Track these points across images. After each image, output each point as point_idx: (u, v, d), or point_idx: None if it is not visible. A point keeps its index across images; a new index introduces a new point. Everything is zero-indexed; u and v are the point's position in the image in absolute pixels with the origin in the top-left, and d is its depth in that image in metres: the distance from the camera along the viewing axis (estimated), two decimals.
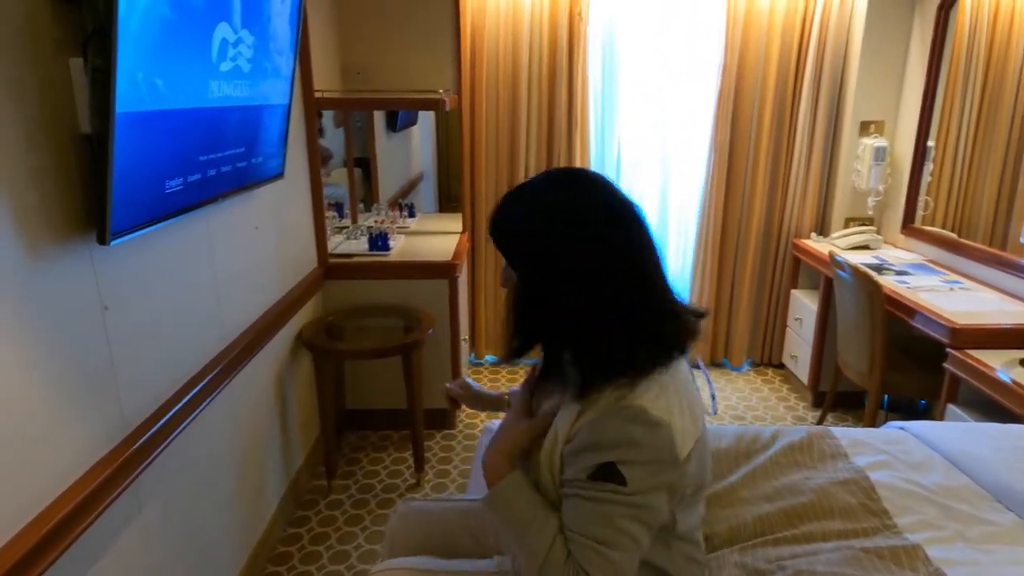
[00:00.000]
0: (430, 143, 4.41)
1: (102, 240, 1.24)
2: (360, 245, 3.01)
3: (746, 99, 3.37)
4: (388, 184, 3.81)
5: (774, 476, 1.61)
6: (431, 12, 3.10)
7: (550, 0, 3.23)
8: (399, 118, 3.91)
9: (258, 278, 2.17)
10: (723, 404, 3.36)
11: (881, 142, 3.20)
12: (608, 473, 0.93)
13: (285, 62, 1.98)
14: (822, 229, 3.51)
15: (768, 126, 3.38)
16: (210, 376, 1.73)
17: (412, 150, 4.53)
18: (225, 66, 1.56)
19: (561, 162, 3.42)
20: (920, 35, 3.10)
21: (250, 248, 2.10)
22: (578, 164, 3.40)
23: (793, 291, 3.48)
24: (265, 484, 2.24)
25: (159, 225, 1.41)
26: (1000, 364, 2.06)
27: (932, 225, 3.13)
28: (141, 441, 1.40)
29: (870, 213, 3.36)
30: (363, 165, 3.58)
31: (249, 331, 2.04)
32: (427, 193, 4.45)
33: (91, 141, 1.23)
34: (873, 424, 2.62)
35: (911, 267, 2.90)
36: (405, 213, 3.58)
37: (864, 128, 3.29)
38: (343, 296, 2.82)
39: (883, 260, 2.99)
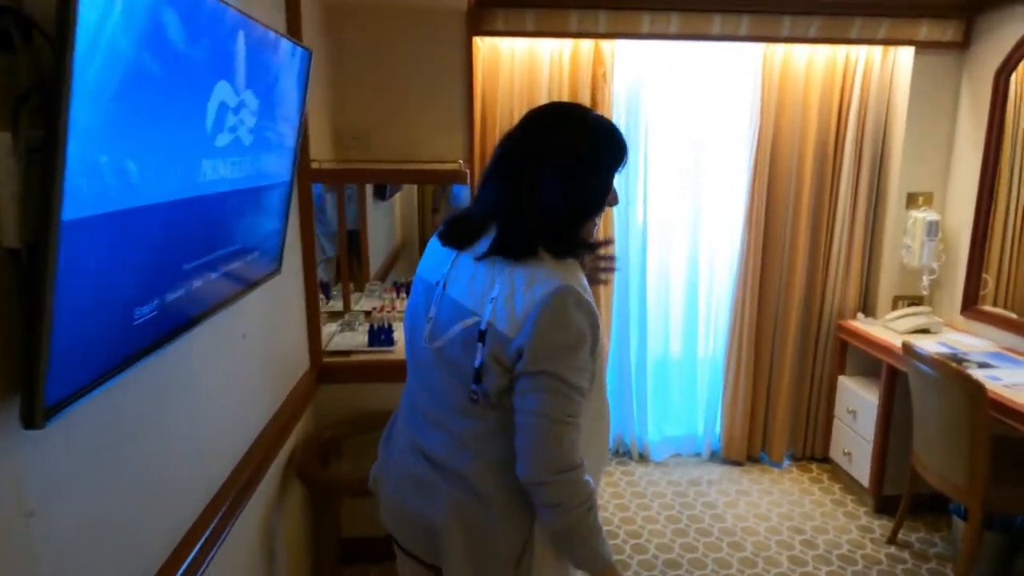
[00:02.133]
0: (413, 209, 4.01)
1: (30, 422, 0.76)
2: (358, 338, 2.54)
3: (783, 167, 3.07)
4: (376, 258, 3.37)
5: None
6: (437, 69, 2.73)
7: (571, 61, 2.91)
8: (388, 186, 3.50)
9: (245, 403, 1.68)
10: (774, 509, 2.93)
11: (933, 215, 2.92)
12: None
13: (290, 130, 1.55)
14: (867, 309, 3.18)
15: (807, 197, 3.08)
16: (185, 564, 1.22)
17: (396, 218, 4.12)
18: (222, 139, 1.13)
19: None
20: (971, 100, 2.87)
21: (236, 366, 1.62)
22: (601, 233, 3.02)
23: (841, 378, 3.12)
24: None
25: (122, 375, 0.94)
26: None
27: (992, 305, 2.84)
28: None
29: (924, 292, 3.06)
30: (351, 238, 3.14)
31: (230, 484, 1.53)
32: (412, 265, 4.01)
33: (19, 261, 0.77)
34: (976, 547, 2.22)
35: (989, 357, 2.57)
36: (403, 294, 3.13)
37: (912, 200, 3.02)
38: (341, 403, 2.33)
39: (955, 349, 2.66)
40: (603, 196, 1.16)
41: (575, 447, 1.07)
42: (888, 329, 2.93)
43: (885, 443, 2.80)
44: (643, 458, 3.34)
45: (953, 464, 2.28)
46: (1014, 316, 2.73)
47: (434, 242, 1.29)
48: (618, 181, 3.00)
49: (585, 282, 1.13)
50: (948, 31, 2.83)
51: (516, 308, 1.06)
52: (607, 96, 2.92)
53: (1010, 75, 2.68)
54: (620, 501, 2.98)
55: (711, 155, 3.15)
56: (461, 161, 2.48)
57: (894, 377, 2.73)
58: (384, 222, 3.84)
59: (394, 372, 2.32)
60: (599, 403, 1.19)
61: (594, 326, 1.09)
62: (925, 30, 2.82)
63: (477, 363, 1.09)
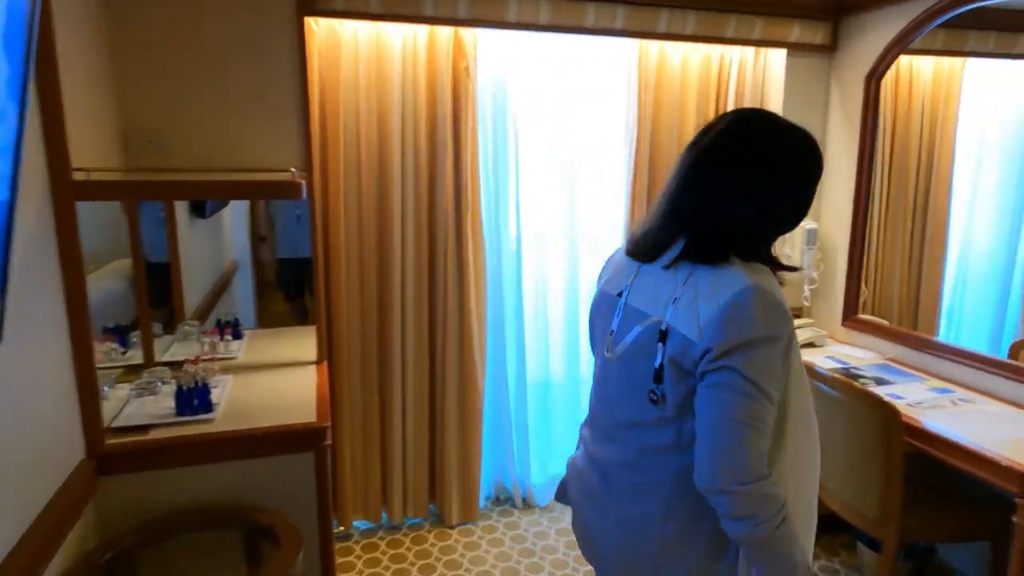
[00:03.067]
0: (244, 226, 3.36)
1: None
2: (162, 405, 1.92)
3: (662, 173, 2.83)
4: (194, 290, 2.72)
5: None
6: (260, 55, 2.18)
7: (428, 51, 2.47)
8: (209, 201, 2.85)
9: None
10: None
11: (811, 223, 2.82)
12: None
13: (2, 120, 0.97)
14: None
15: None
16: None
17: (227, 238, 3.43)
18: None
19: (449, 254, 2.60)
20: (841, 105, 2.79)
21: None
22: (470, 250, 2.61)
23: None
24: None
25: None
26: None
27: (870, 314, 2.78)
28: None
29: (806, 303, 2.96)
30: (155, 269, 2.47)
31: None
32: (244, 290, 3.35)
33: None
34: None
35: (879, 370, 2.46)
36: (228, 336, 2.51)
37: None
38: (135, 501, 1.70)
39: (846, 364, 2.54)
40: (805, 209, 1.12)
41: (762, 456, 1.00)
42: None
43: None
44: (527, 504, 2.96)
45: (864, 494, 2.10)
46: (887, 324, 2.67)
47: (619, 254, 1.31)
48: (488, 191, 2.58)
49: (777, 285, 1.08)
50: (818, 33, 2.74)
51: (700, 311, 1.03)
52: (470, 94, 2.51)
53: (880, 79, 2.62)
54: (507, 564, 2.57)
55: (587, 160, 2.85)
56: (294, 169, 1.94)
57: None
58: (207, 245, 3.14)
59: (214, 450, 1.75)
60: (804, 421, 1.11)
61: (787, 328, 1.03)
62: (797, 31, 2.71)
63: (657, 362, 1.08)
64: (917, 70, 2.65)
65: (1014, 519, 1.71)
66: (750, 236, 1.09)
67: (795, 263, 2.84)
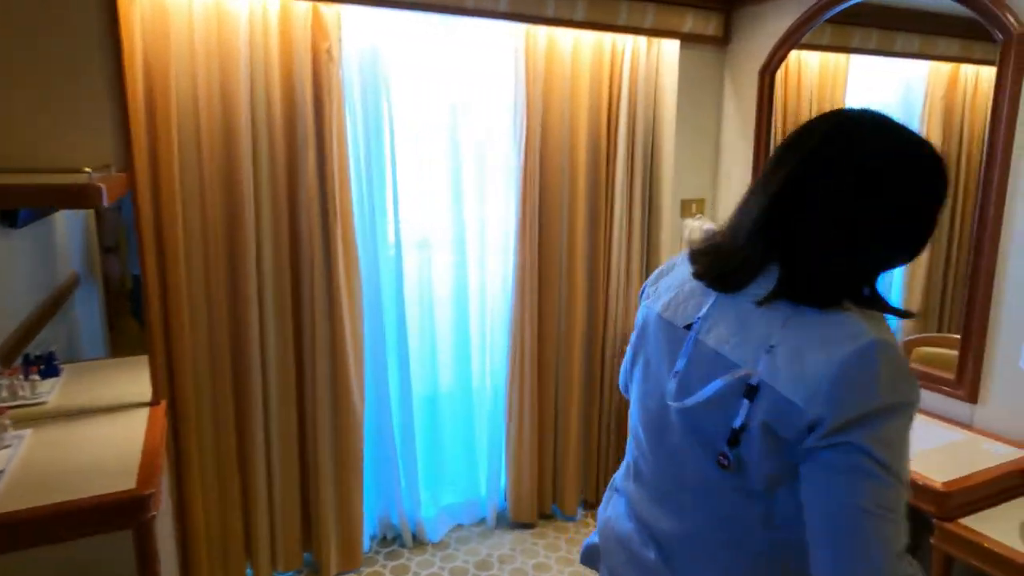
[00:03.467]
0: (84, 234, 2.83)
1: None
2: None
3: (554, 170, 2.61)
4: (8, 314, 2.21)
5: None
6: (57, 25, 1.73)
7: (281, 29, 2.10)
8: (23, 209, 2.33)
9: None
10: (567, 570, 2.46)
11: (709, 224, 2.69)
12: None
13: None
14: None
15: (582, 204, 2.66)
16: None
17: (55, 248, 2.87)
18: None
19: (316, 264, 2.25)
20: (735, 101, 2.68)
21: None
22: (341, 259, 2.27)
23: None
24: None
25: None
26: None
27: None
28: None
29: None
30: None
31: None
32: (89, 313, 2.82)
33: None
34: None
35: None
36: (35, 375, 2.03)
37: (686, 208, 2.76)
38: None
39: None
40: (928, 237, 0.90)
41: (902, 555, 0.78)
42: None
43: None
44: (417, 541, 2.65)
45: None
46: None
47: (678, 272, 1.05)
48: (360, 192, 2.24)
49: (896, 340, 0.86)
50: (711, 24, 2.61)
51: (807, 369, 0.81)
52: (335, 80, 2.17)
53: (774, 74, 2.52)
54: None
55: (473, 155, 2.58)
56: (90, 170, 1.52)
57: None
58: (24, 261, 2.61)
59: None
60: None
61: (917, 394, 0.83)
62: (690, 22, 2.56)
63: (738, 423, 0.85)
64: (805, 65, 2.58)
65: (932, 541, 1.60)
66: (869, 275, 0.89)
67: None
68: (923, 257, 2.47)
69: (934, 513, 1.59)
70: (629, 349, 1.12)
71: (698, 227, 2.67)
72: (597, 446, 2.87)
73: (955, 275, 2.27)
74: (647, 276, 2.84)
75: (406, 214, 2.48)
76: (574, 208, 2.65)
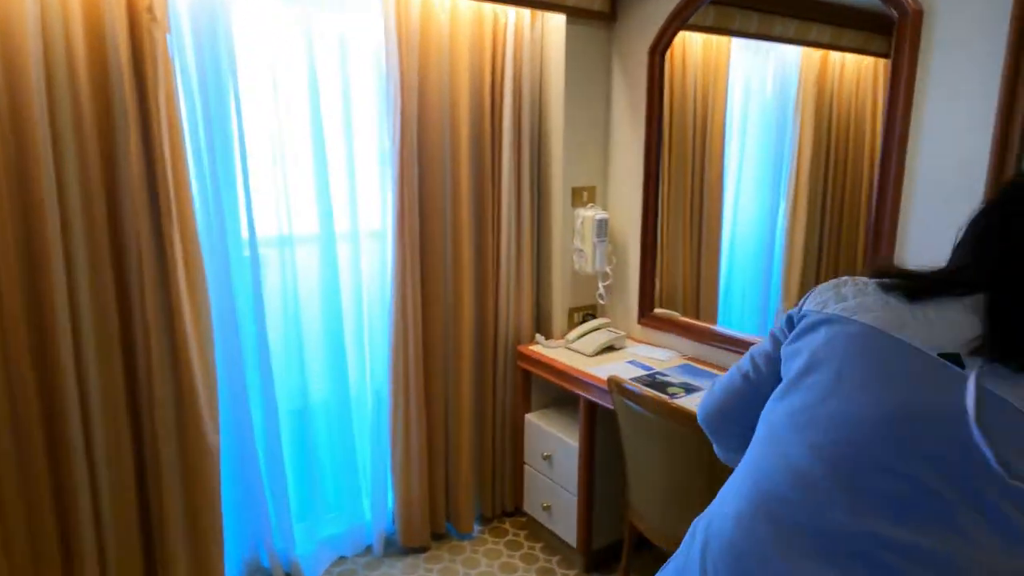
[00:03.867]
0: None
1: None
2: None
3: (434, 155, 2.34)
4: None
5: None
6: None
7: None
8: None
9: None
10: None
11: (602, 213, 2.53)
12: None
13: None
14: (541, 326, 2.69)
15: (467, 193, 2.41)
16: None
17: None
18: None
19: (146, 271, 1.85)
20: (624, 81, 2.52)
21: None
22: (181, 265, 1.88)
23: (528, 417, 2.56)
24: None
25: None
26: None
27: (661, 307, 2.58)
28: None
29: (602, 302, 2.68)
30: None
31: None
32: None
33: None
34: None
35: (683, 373, 2.24)
36: None
37: (577, 196, 2.59)
38: None
39: (649, 368, 2.28)
40: None
41: None
42: (574, 352, 2.45)
43: (591, 493, 2.32)
44: None
45: (682, 520, 1.84)
46: (680, 316, 2.49)
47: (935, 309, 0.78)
48: (204, 183, 1.86)
49: None
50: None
51: None
52: (160, 47, 1.77)
53: (664, 53, 2.38)
54: None
55: (339, 140, 2.25)
56: None
57: (593, 412, 2.26)
58: None
59: None
60: None
61: None
62: None
63: None
64: (689, 45, 2.48)
65: None
66: None
67: (587, 258, 2.54)
68: (799, 241, 2.45)
69: None
70: (751, 372, 0.97)
71: (591, 217, 2.50)
72: (492, 452, 2.66)
73: (832, 265, 2.28)
74: (539, 269, 2.65)
75: (262, 207, 2.12)
76: (458, 197, 2.40)
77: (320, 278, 2.31)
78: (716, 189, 2.53)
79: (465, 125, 2.35)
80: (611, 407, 2.07)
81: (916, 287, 0.80)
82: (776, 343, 0.93)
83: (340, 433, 2.44)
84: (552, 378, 2.39)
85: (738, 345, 2.23)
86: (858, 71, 2.16)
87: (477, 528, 2.66)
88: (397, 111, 2.20)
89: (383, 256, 2.37)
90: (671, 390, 2.08)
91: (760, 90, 2.44)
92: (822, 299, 0.87)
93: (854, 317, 0.81)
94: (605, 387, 2.09)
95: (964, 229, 0.85)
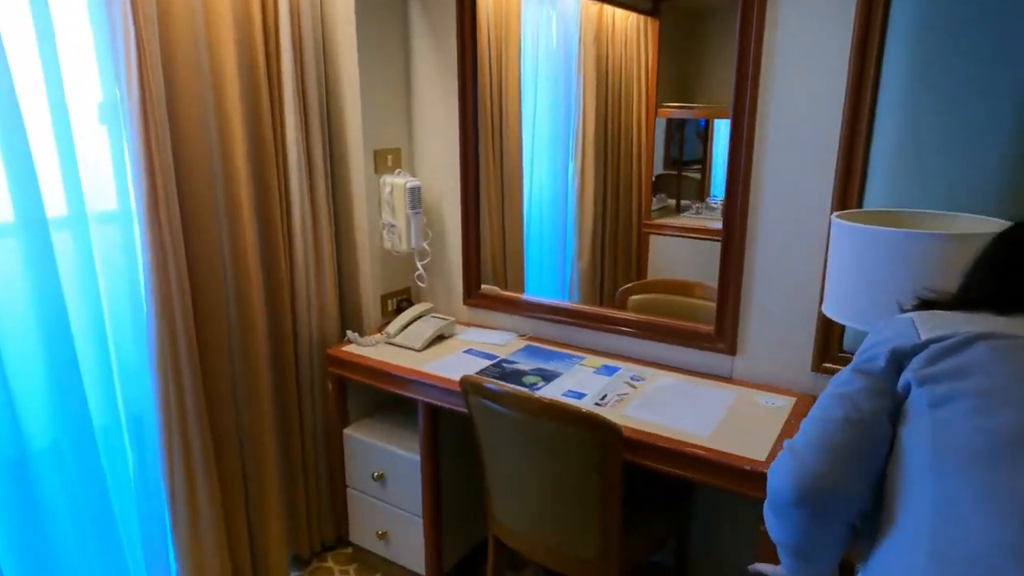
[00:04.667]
0: None
1: None
2: None
3: (191, 117, 1.73)
4: None
5: None
6: None
7: None
8: None
9: None
10: None
11: (414, 180, 2.13)
12: None
13: None
14: (349, 320, 2.23)
15: (243, 158, 1.84)
16: None
17: None
18: None
19: None
20: (426, 20, 2.13)
21: None
22: None
23: (347, 432, 2.11)
24: None
25: None
26: None
27: (486, 283, 2.30)
28: None
29: (422, 284, 2.29)
30: None
31: None
32: None
33: None
34: None
35: (529, 356, 1.98)
36: None
37: (381, 160, 2.15)
38: None
39: (493, 357, 1.98)
40: None
41: None
42: (399, 348, 2.05)
43: (438, 511, 1.97)
44: None
45: (575, 537, 1.59)
46: (502, 291, 2.24)
47: None
48: None
49: None
50: None
51: None
52: None
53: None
54: None
55: (38, 91, 1.54)
56: None
57: (435, 417, 1.89)
58: None
59: None
60: None
61: None
62: None
63: None
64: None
65: (762, 528, 1.39)
66: None
67: (400, 233, 2.13)
68: (589, 200, 2.35)
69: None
70: (852, 413, 0.82)
71: (401, 185, 2.10)
72: (304, 481, 2.16)
73: (615, 221, 2.22)
74: (341, 250, 2.17)
75: None
76: (231, 162, 1.82)
77: (27, 281, 1.58)
78: (516, 150, 2.30)
79: (231, 66, 1.77)
80: (456, 408, 1.74)
81: (1005, 303, 0.83)
82: (873, 376, 0.84)
83: (86, 485, 1.74)
84: (376, 382, 1.96)
85: (578, 317, 2.03)
86: (626, 27, 2.09)
87: (295, 575, 2.15)
88: (129, 44, 1.56)
89: (128, 245, 1.72)
90: (528, 380, 1.81)
91: (547, 44, 2.27)
92: (934, 323, 0.83)
93: (1015, 332, 0.78)
94: (447, 387, 1.76)
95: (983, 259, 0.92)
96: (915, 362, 0.79)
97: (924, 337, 0.80)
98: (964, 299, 0.90)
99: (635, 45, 2.11)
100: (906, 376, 0.80)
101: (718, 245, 2.16)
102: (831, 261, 1.39)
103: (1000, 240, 0.94)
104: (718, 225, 1.80)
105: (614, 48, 2.11)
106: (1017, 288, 0.86)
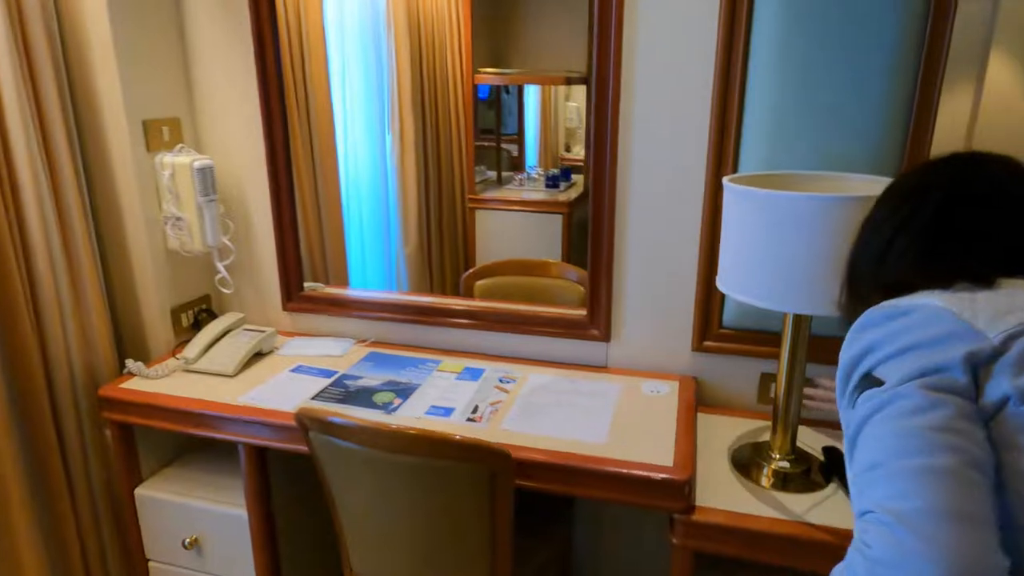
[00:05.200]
0: None
1: None
2: None
3: None
4: None
5: None
6: None
7: None
8: None
9: None
10: None
11: (203, 160, 1.66)
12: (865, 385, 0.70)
13: None
14: (128, 347, 1.72)
15: None
16: None
17: None
18: None
19: None
20: None
21: None
22: None
23: (139, 492, 1.61)
24: None
25: None
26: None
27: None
28: None
29: (226, 290, 1.81)
30: None
31: None
32: None
33: None
34: None
35: (376, 368, 1.64)
36: None
37: (154, 134, 1.65)
38: None
39: (332, 373, 1.60)
40: None
41: None
42: (205, 375, 1.60)
43: (276, 571, 1.57)
44: None
45: (463, 571, 1.31)
46: (334, 291, 1.88)
47: None
48: None
49: None
50: None
51: None
52: None
53: None
54: None
55: None
56: None
57: (263, 460, 1.49)
58: None
59: None
60: None
61: None
62: None
63: None
64: None
65: (674, 540, 1.22)
66: None
67: (190, 228, 1.66)
68: (411, 177, 2.09)
69: (677, 509, 1.20)
70: (978, 452, 0.61)
71: (186, 164, 1.62)
72: (85, 563, 1.62)
73: (438, 197, 2.06)
74: (106, 254, 1.65)
75: None
76: None
77: None
78: (327, 123, 1.96)
79: None
80: (292, 447, 1.37)
81: (981, 275, 0.72)
82: (957, 396, 0.64)
83: None
84: (175, 426, 1.49)
85: (424, 313, 1.74)
86: None
87: None
88: None
89: None
90: (380, 399, 1.47)
91: (357, 27, 1.97)
92: (976, 310, 0.68)
93: None
94: (277, 421, 1.38)
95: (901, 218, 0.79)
96: (1005, 367, 0.61)
97: (994, 334, 0.63)
98: (932, 274, 0.74)
99: (447, 2, 1.88)
100: (1000, 388, 0.61)
101: (547, 217, 2.02)
102: (724, 231, 1.24)
103: (945, 202, 0.78)
104: (543, 196, 1.62)
105: (425, 4, 1.88)
106: (989, 252, 0.73)
